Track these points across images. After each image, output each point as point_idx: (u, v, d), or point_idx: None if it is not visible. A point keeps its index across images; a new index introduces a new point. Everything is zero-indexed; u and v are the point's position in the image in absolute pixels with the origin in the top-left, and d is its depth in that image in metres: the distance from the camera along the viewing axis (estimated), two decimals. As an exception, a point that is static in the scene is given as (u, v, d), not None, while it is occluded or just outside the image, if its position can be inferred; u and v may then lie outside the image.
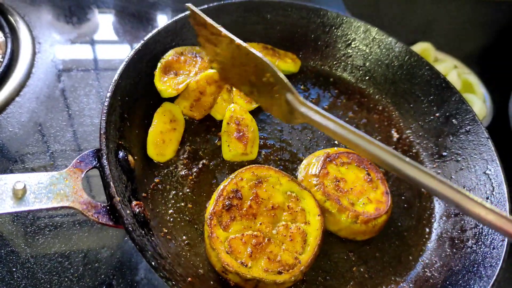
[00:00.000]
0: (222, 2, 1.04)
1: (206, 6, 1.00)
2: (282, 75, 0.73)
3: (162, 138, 0.87)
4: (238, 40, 0.73)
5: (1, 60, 1.08)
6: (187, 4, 0.75)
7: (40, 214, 0.88)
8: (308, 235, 0.78)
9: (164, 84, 0.93)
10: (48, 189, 0.63)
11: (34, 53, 1.16)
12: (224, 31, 0.74)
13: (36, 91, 1.08)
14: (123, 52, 1.29)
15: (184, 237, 0.77)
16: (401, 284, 0.81)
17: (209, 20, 0.74)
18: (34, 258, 0.82)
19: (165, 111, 0.90)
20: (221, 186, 0.80)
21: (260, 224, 0.76)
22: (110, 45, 1.30)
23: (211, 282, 0.72)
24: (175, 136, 0.90)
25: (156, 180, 0.83)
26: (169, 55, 0.97)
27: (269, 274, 0.71)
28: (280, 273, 0.72)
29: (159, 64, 0.95)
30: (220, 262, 0.71)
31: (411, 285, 0.80)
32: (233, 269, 0.70)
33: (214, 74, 0.93)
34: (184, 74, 0.96)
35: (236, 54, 0.76)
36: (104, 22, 1.34)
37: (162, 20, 1.41)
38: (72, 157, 0.98)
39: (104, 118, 0.72)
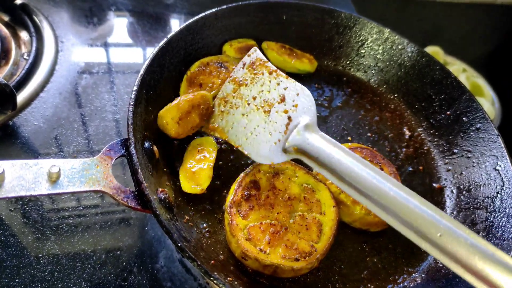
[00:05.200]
0: (240, 3, 1.08)
1: (225, 6, 1.04)
2: (314, 106, 0.78)
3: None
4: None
5: (27, 57, 1.13)
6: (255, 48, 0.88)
7: (64, 205, 0.91)
8: (324, 225, 0.80)
9: None
10: (81, 174, 0.66)
11: (57, 52, 1.20)
12: (274, 67, 0.85)
13: (59, 87, 1.12)
14: (141, 53, 1.33)
15: (204, 224, 0.81)
16: (414, 274, 0.83)
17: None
18: (58, 245, 0.85)
19: None
20: (240, 177, 0.83)
21: (278, 213, 0.79)
22: (129, 45, 1.34)
23: (231, 267, 0.75)
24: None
25: (178, 169, 0.87)
26: (195, 67, 1.00)
27: (287, 260, 0.74)
28: (297, 260, 0.74)
29: (184, 76, 0.98)
30: (240, 248, 0.74)
31: (423, 275, 0.83)
32: (252, 255, 0.73)
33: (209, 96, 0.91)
34: (208, 87, 0.98)
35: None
36: (123, 23, 1.38)
37: (178, 22, 1.45)
38: (94, 150, 1.01)
39: (131, 110, 0.75)
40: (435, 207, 0.60)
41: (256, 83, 0.83)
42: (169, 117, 0.85)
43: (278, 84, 0.81)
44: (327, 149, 0.69)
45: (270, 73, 0.83)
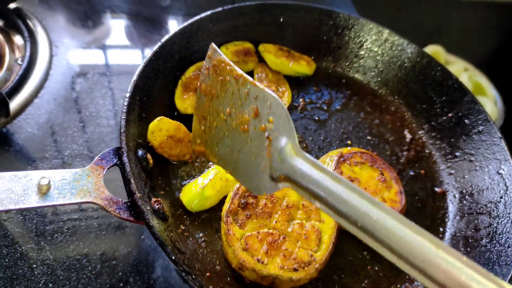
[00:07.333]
0: (236, 5, 1.06)
1: (220, 8, 1.02)
2: (289, 117, 0.63)
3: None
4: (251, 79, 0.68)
5: (21, 63, 1.11)
6: (212, 44, 0.72)
7: (59, 213, 0.90)
8: (323, 233, 0.78)
9: (184, 103, 0.95)
10: (72, 185, 0.64)
11: (51, 56, 1.18)
12: (239, 71, 0.69)
13: (53, 92, 1.10)
14: (137, 55, 1.31)
15: (201, 234, 0.79)
16: (416, 282, 0.81)
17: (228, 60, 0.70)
18: (53, 255, 0.83)
19: None
20: (236, 185, 0.81)
21: (275, 222, 0.78)
22: (124, 48, 1.32)
23: (228, 279, 0.73)
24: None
25: (173, 181, 0.85)
26: (190, 71, 0.98)
27: (285, 271, 0.72)
28: (295, 270, 0.73)
29: (179, 81, 0.96)
30: (237, 259, 0.72)
31: (425, 283, 0.81)
32: (250, 266, 0.71)
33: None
34: None
35: (236, 97, 0.69)
36: (118, 26, 1.36)
37: (175, 24, 1.43)
38: (89, 157, 0.99)
39: (124, 117, 0.74)
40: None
41: (225, 92, 0.70)
42: (165, 128, 0.84)
43: (248, 93, 0.67)
44: (316, 178, 0.57)
45: (236, 79, 0.69)
